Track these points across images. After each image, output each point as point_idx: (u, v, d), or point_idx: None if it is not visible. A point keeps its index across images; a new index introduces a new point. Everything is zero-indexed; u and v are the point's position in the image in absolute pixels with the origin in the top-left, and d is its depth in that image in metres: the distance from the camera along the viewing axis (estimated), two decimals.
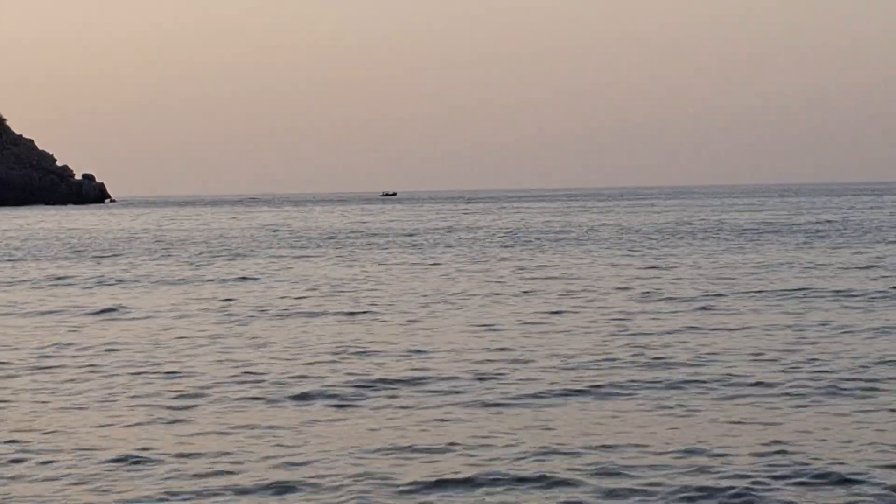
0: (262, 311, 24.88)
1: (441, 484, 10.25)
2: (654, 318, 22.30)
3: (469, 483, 10.25)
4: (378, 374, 15.92)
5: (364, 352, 18.32)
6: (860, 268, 33.94)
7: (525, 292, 28.05)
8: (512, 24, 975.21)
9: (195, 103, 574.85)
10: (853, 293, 26.17)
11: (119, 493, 10.18)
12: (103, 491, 10.28)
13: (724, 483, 10.09)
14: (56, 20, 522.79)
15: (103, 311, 25.35)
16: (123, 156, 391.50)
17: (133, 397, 14.68)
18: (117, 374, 16.49)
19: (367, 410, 13.61)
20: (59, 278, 35.10)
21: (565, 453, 11.23)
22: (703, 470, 10.56)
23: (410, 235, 62.13)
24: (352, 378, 15.66)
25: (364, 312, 24.50)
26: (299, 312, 24.66)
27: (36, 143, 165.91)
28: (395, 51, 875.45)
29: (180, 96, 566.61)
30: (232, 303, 26.82)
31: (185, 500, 9.93)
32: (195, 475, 10.60)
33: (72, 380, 16.11)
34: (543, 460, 10.97)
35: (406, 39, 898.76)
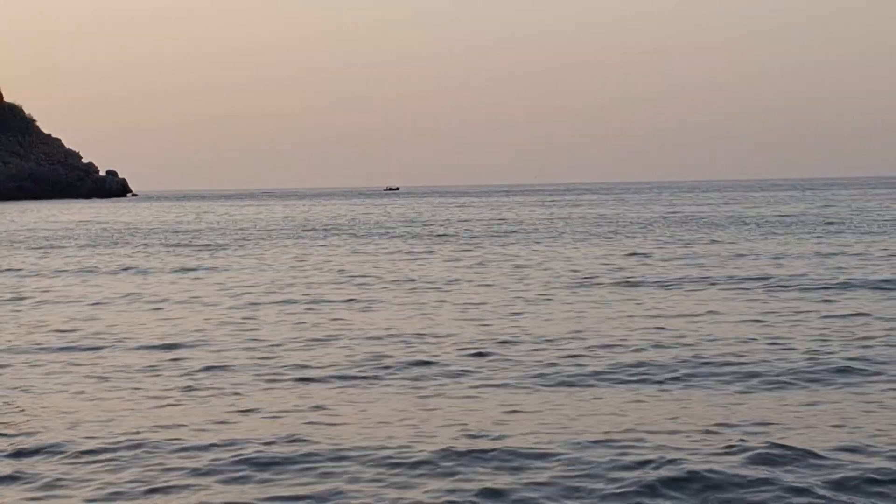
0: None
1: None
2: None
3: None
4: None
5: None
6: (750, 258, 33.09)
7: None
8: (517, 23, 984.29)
9: (206, 104, 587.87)
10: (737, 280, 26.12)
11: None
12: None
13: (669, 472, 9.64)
14: (81, 29, 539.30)
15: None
16: (142, 154, 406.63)
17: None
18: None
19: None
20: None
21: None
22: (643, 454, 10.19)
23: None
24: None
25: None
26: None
27: (63, 142, 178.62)
28: (402, 54, 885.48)
29: (195, 98, 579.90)
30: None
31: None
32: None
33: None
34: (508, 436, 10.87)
35: (414, 40, 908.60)
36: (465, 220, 69.92)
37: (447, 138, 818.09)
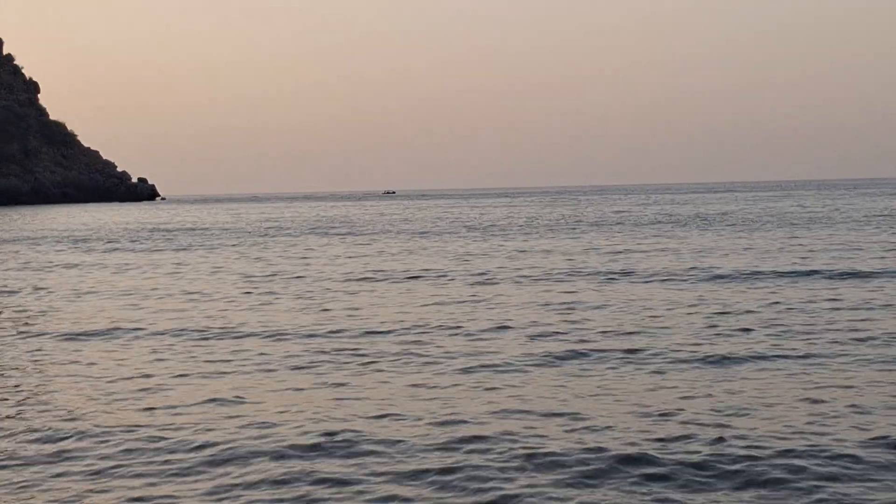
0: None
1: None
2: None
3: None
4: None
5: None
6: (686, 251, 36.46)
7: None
8: (508, 22, 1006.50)
9: (222, 116, 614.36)
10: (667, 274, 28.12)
11: None
12: None
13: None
14: (116, 49, 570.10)
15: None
16: (165, 162, 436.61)
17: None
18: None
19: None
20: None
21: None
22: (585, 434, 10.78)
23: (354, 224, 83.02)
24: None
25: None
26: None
27: (101, 153, 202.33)
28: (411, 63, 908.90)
29: (213, 110, 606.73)
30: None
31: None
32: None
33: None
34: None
35: (420, 47, 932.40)
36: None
37: (442, 144, 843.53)
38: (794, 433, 10.88)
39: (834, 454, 10.08)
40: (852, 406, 12.08)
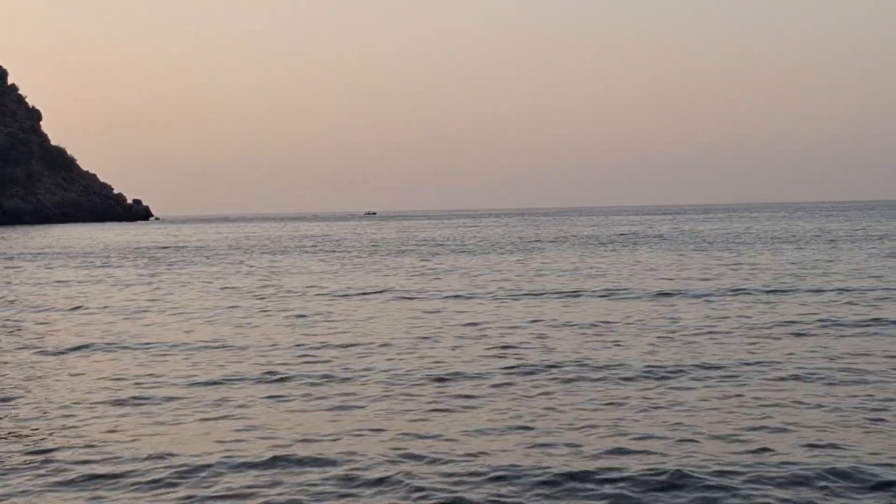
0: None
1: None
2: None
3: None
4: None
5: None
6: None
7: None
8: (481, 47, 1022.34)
9: (214, 137, 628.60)
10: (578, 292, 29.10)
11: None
12: None
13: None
14: (114, 74, 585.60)
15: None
16: (160, 184, 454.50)
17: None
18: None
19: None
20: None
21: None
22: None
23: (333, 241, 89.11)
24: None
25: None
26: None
27: (98, 177, 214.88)
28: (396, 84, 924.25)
29: (209, 132, 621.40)
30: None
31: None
32: None
33: None
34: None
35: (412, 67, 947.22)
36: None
37: (422, 167, 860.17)
38: (744, 451, 10.82)
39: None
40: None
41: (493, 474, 10.12)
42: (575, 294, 29.25)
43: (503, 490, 9.68)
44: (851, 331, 20.36)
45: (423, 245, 69.88)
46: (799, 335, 19.73)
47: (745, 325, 21.44)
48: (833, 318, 22.05)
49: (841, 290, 28.71)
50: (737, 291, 28.99)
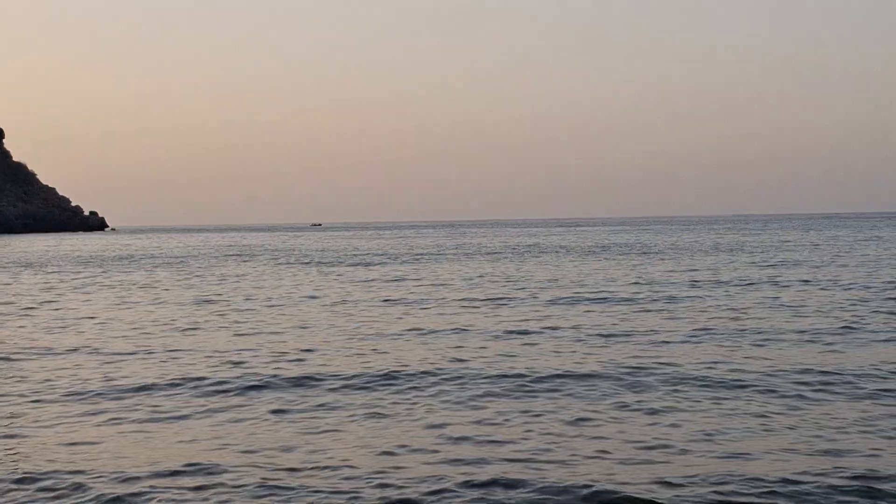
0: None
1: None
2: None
3: None
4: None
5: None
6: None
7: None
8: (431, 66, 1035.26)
9: (166, 149, 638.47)
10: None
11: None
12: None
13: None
14: (70, 90, 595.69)
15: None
16: (114, 195, 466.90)
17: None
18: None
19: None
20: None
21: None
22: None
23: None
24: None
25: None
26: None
27: (57, 190, 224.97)
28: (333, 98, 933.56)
29: (160, 145, 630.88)
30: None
31: None
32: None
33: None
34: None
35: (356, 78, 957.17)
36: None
37: (366, 179, 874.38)
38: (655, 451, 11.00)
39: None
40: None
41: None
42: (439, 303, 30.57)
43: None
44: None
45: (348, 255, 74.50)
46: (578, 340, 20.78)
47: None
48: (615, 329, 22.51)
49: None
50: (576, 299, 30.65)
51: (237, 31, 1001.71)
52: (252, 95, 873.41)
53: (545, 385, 15.29)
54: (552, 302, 30.06)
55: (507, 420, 12.89)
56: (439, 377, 16.06)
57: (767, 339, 20.51)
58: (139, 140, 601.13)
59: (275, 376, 16.25)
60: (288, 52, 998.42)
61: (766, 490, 9.77)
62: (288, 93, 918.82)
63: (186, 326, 24.70)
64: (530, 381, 15.59)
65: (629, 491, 9.68)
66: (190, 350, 19.90)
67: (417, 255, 70.79)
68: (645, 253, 66.80)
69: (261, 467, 10.58)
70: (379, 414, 13.32)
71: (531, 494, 9.63)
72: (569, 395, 14.47)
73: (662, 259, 57.29)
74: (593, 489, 9.75)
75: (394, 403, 14.02)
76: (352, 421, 12.96)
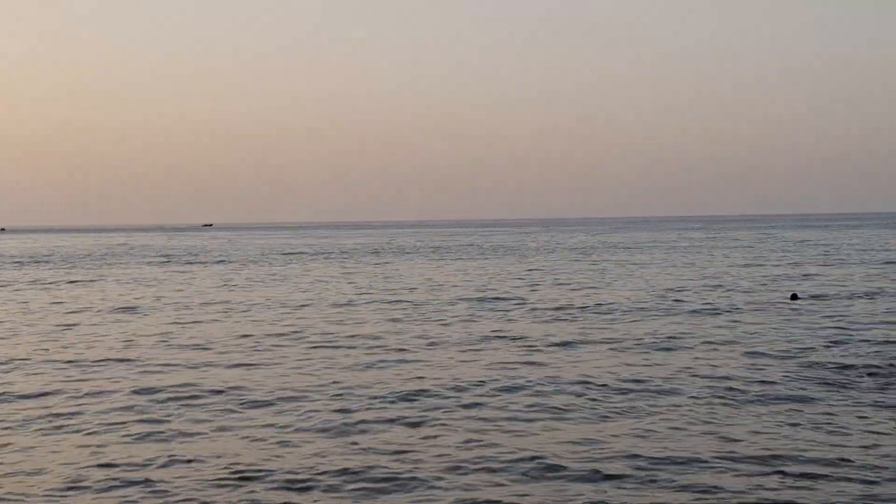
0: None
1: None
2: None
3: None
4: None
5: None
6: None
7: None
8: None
9: (59, 147, 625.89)
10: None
11: None
12: None
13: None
14: None
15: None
16: (8, 197, 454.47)
17: None
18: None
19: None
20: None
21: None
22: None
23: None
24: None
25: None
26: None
27: None
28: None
29: (53, 142, 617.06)
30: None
31: None
32: None
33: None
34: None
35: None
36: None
37: (256, 182, 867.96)
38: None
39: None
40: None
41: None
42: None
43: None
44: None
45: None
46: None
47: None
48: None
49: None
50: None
51: (132, 31, 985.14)
52: (151, 95, 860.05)
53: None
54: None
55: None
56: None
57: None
58: (34, 140, 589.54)
59: None
60: (192, 57, 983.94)
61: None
62: (183, 93, 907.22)
63: None
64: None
65: None
66: None
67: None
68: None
69: None
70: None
71: None
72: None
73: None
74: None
75: None
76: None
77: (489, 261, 56.93)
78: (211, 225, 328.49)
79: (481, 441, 10.56)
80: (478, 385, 14.24)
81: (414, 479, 9.02)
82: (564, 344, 19.00)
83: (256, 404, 12.87)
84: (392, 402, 12.98)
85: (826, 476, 8.83)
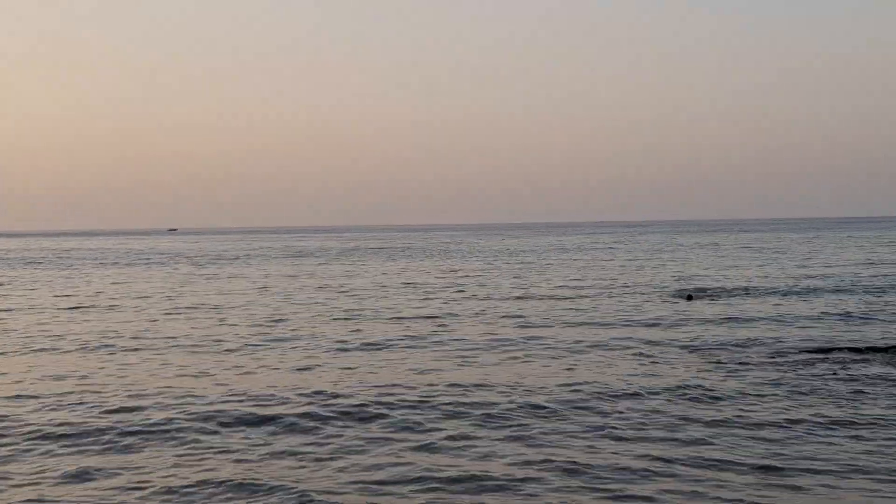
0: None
1: None
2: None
3: None
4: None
5: None
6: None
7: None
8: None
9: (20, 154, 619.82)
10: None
11: None
12: None
13: None
14: None
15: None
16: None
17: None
18: None
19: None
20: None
21: None
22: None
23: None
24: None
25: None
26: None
27: None
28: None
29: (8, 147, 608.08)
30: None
31: None
32: None
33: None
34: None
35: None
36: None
37: (220, 187, 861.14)
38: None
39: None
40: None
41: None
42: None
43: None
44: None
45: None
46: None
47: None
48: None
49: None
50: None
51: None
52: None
53: None
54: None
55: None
56: None
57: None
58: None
59: None
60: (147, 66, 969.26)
61: None
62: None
63: None
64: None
65: None
66: None
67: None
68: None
69: None
70: None
71: None
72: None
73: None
74: None
75: None
76: None
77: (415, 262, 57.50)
78: (176, 229, 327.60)
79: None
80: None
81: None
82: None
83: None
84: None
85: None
